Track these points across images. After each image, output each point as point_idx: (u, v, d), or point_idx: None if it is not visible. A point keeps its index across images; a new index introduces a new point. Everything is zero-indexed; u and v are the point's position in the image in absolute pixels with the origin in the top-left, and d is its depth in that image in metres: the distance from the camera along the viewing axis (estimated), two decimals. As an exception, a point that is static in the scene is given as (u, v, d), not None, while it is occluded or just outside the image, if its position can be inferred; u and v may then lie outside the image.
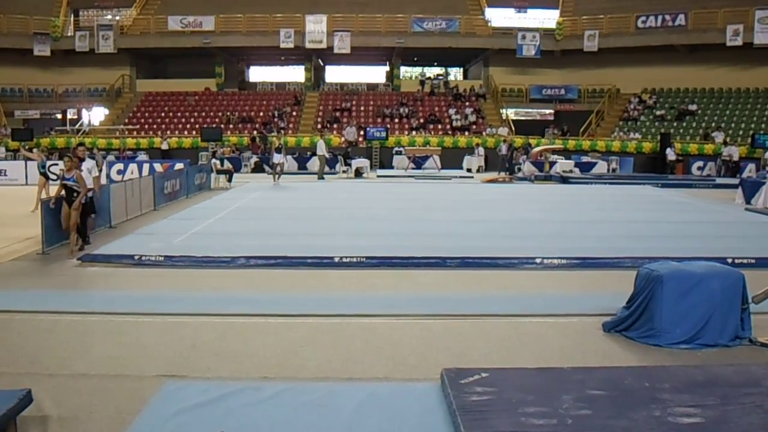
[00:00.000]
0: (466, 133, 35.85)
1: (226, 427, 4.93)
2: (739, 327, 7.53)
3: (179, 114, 38.21)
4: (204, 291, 9.39)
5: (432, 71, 46.44)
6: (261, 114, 38.16)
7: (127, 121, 36.46)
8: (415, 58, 44.33)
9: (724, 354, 7.12)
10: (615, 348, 7.28)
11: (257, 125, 36.54)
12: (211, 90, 41.02)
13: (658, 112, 36.33)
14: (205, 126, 35.24)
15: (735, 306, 7.51)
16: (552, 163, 30.18)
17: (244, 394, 5.64)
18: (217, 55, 40.80)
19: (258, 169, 30.90)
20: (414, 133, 35.70)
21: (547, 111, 40.61)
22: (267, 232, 13.80)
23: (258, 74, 47.02)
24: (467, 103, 38.65)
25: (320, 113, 38.27)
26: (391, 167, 32.57)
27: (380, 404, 5.48)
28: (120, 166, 26.83)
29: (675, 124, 35.19)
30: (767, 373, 5.94)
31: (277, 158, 25.33)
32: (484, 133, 35.32)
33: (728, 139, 31.81)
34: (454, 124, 36.75)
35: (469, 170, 31.89)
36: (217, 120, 37.15)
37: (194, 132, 35.18)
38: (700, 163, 31.54)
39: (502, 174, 29.61)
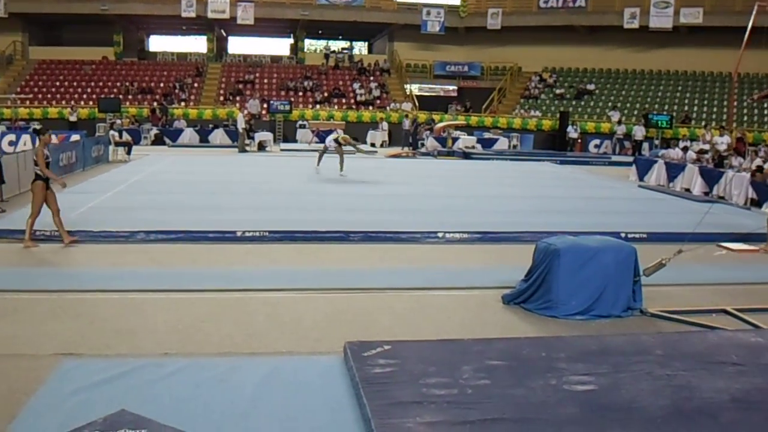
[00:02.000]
0: (370, 107, 35.84)
1: (126, 405, 4.84)
2: (631, 298, 7.89)
3: (75, 83, 36.74)
4: (102, 267, 9.16)
5: (337, 45, 46.13)
6: (161, 85, 37.09)
7: (19, 90, 34.82)
8: (320, 31, 43.90)
9: (616, 324, 7.43)
10: (514, 319, 7.49)
11: (157, 96, 35.56)
12: (109, 59, 39.53)
13: (557, 91, 37.16)
14: (102, 96, 34.01)
15: (627, 278, 7.85)
16: (455, 139, 30.57)
17: (144, 371, 5.54)
18: (115, 23, 39.36)
19: (158, 141, 30.12)
20: (318, 107, 35.45)
21: (451, 87, 40.96)
22: (168, 206, 13.51)
23: (158, 44, 45.65)
24: (372, 78, 38.61)
25: (222, 85, 37.52)
26: (295, 141, 32.30)
27: (283, 378, 5.48)
28: (12, 137, 25.69)
29: (574, 102, 36.11)
30: (657, 342, 6.22)
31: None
32: (388, 108, 35.38)
33: (624, 119, 32.86)
34: (359, 98, 36.67)
35: (372, 145, 31.90)
36: (115, 90, 35.89)
37: (91, 102, 33.94)
38: (597, 141, 32.51)
39: (406, 149, 29.77)
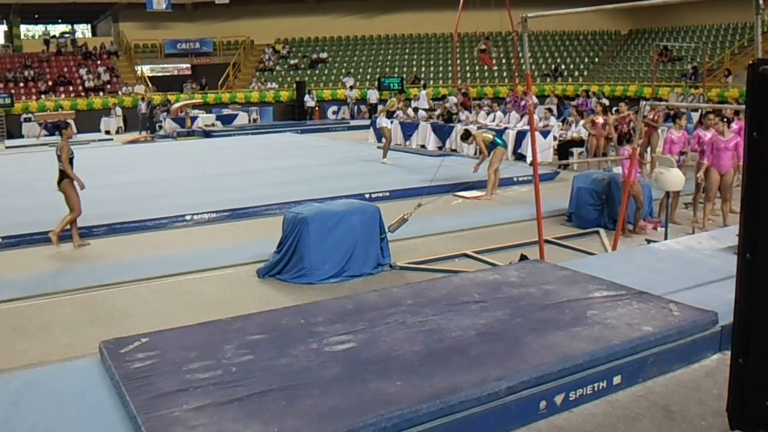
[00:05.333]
0: (101, 93, 34.11)
1: None
2: (380, 255, 8.32)
3: None
4: None
5: (57, 29, 43.26)
6: None
7: None
8: (37, 15, 40.94)
9: (369, 281, 7.78)
10: (271, 292, 7.59)
11: None
12: None
13: (292, 62, 37.51)
14: None
15: (374, 237, 8.25)
16: (193, 119, 29.92)
17: None
18: None
19: None
20: (43, 97, 33.17)
21: (184, 65, 39.87)
22: None
23: None
24: (99, 62, 36.68)
25: (-72, 82, 33.95)
26: (22, 136, 30.03)
27: (38, 391, 5.15)
28: None
29: (309, 72, 36.66)
30: (407, 293, 6.58)
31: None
32: (120, 92, 33.89)
33: (358, 84, 33.93)
34: (87, 84, 34.72)
35: (108, 132, 30.51)
36: None
37: None
38: (335, 108, 33.31)
39: (144, 133, 28.82)
